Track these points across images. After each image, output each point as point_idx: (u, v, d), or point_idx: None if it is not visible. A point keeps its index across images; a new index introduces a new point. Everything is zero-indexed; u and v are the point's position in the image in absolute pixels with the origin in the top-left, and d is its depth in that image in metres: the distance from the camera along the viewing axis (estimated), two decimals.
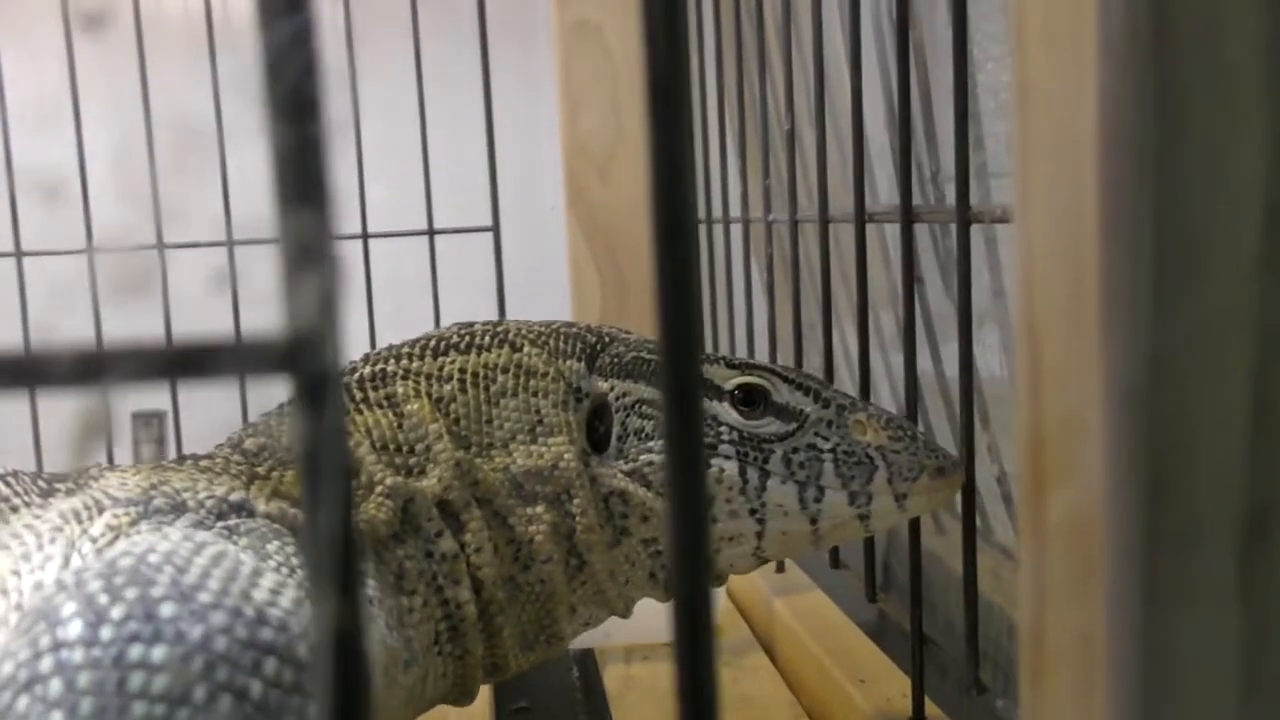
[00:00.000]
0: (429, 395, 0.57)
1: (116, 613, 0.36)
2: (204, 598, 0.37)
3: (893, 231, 0.77)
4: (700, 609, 0.20)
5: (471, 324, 0.63)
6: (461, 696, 0.58)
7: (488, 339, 0.60)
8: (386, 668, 0.49)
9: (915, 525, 0.69)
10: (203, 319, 0.95)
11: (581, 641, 0.94)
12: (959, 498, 0.65)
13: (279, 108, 0.15)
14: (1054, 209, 0.27)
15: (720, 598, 0.99)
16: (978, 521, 0.67)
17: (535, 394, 0.58)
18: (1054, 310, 0.27)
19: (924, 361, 0.93)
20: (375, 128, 1.14)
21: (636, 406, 0.59)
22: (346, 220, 1.10)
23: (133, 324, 0.97)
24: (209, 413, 0.91)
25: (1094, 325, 0.26)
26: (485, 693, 0.82)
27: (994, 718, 0.68)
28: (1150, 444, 0.26)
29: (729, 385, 0.59)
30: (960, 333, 0.62)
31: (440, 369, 0.58)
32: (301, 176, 0.15)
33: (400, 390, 0.57)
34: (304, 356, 0.16)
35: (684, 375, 0.20)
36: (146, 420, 1.32)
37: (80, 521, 0.46)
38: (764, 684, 0.86)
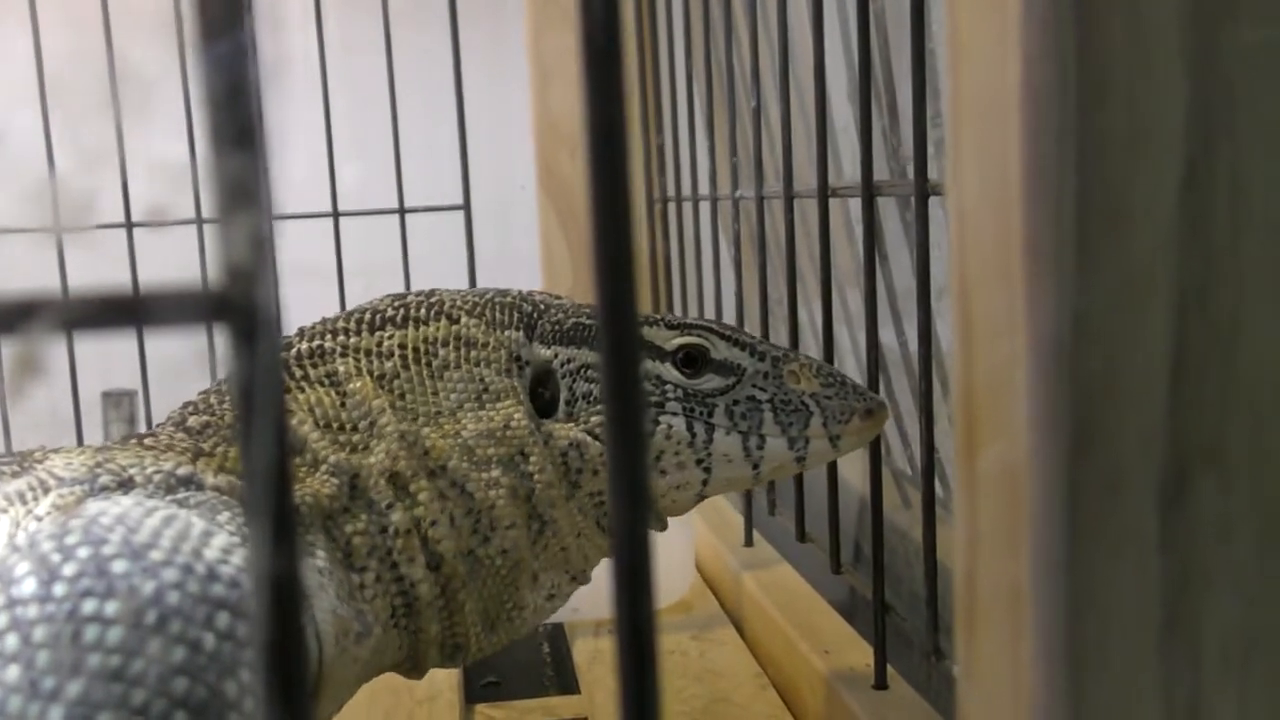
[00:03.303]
0: (370, 373, 0.57)
1: (69, 570, 0.37)
2: (156, 555, 0.38)
3: (857, 209, 0.78)
4: (640, 559, 0.21)
5: (404, 295, 0.63)
6: (413, 670, 0.59)
7: (424, 311, 0.60)
8: (338, 638, 0.49)
9: (878, 497, 0.70)
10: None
11: (552, 617, 0.95)
12: (920, 467, 0.66)
13: (211, 49, 0.16)
14: (983, 169, 0.28)
15: (689, 575, 1.01)
16: (939, 491, 0.68)
17: (478, 364, 0.59)
18: (984, 268, 0.28)
19: (888, 336, 0.94)
20: (346, 106, 1.14)
21: (582, 371, 0.60)
22: (317, 199, 1.10)
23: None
24: (179, 392, 0.91)
25: (1020, 283, 0.27)
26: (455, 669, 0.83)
27: (953, 684, 0.69)
28: (1074, 398, 0.27)
29: (670, 346, 0.62)
30: (919, 304, 0.63)
31: (379, 344, 0.59)
32: (235, 118, 0.16)
33: (341, 369, 0.57)
34: (238, 295, 0.17)
35: (622, 310, 0.21)
36: (116, 400, 1.32)
37: (25, 502, 0.46)
38: (731, 656, 0.87)
